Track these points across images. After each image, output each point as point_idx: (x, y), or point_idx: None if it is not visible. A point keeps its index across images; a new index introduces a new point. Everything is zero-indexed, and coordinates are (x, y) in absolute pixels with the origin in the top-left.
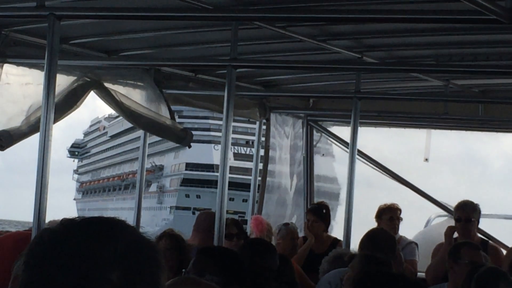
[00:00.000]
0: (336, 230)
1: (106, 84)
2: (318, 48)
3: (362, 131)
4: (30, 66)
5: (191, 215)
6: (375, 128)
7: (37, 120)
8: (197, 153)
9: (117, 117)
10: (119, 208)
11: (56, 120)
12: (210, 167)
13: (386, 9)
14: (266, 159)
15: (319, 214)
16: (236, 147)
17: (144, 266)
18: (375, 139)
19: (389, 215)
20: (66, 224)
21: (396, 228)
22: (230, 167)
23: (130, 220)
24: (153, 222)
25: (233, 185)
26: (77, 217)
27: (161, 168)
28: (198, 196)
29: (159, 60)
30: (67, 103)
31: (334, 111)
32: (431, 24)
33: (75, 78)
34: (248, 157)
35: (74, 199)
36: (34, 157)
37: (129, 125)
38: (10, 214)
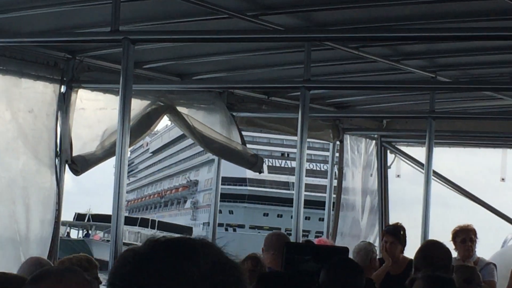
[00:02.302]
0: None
1: (179, 108)
2: (391, 68)
3: (436, 151)
4: (105, 91)
5: (224, 231)
6: (449, 148)
7: (112, 145)
8: (229, 166)
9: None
10: None
11: (130, 144)
12: (242, 181)
13: (459, 27)
14: (339, 181)
15: (397, 235)
16: (270, 160)
17: (228, 286)
18: (449, 159)
19: (461, 237)
20: (151, 244)
21: (470, 250)
22: (264, 180)
23: None
24: None
25: (269, 199)
26: (162, 236)
27: (196, 183)
28: (230, 212)
29: (232, 82)
30: (141, 127)
31: (407, 132)
32: (504, 41)
33: (148, 102)
34: (283, 170)
35: None
36: (105, 180)
37: (168, 140)
38: None
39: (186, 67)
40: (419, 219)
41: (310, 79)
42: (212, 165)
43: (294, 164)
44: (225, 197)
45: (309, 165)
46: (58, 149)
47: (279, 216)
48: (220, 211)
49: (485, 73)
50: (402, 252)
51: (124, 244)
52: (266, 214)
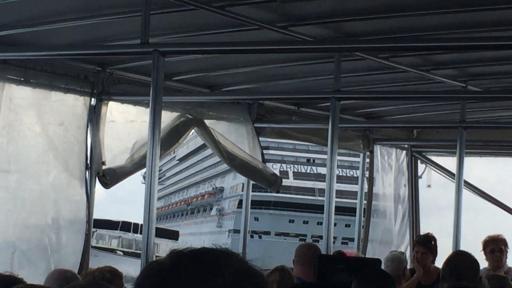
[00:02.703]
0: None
1: (207, 122)
2: (421, 78)
3: (467, 160)
4: (135, 103)
5: (249, 238)
6: (480, 158)
7: (141, 157)
8: None
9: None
10: (185, 234)
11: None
12: None
13: (490, 36)
14: (370, 190)
15: (429, 246)
16: (296, 166)
17: None
18: (481, 168)
19: (490, 247)
20: (174, 256)
21: (499, 260)
22: (290, 186)
23: (197, 245)
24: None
25: (295, 206)
26: (185, 248)
27: (221, 190)
28: (256, 219)
29: (262, 94)
30: (169, 140)
31: (438, 142)
32: None
33: (177, 114)
34: (309, 176)
35: None
36: (137, 188)
37: (194, 146)
38: None
39: (216, 78)
40: (451, 228)
41: (340, 89)
42: (236, 172)
43: (320, 170)
44: (250, 203)
45: None
46: (88, 162)
47: (305, 222)
48: None
49: None
50: (433, 262)
51: (104, 249)
52: (291, 221)
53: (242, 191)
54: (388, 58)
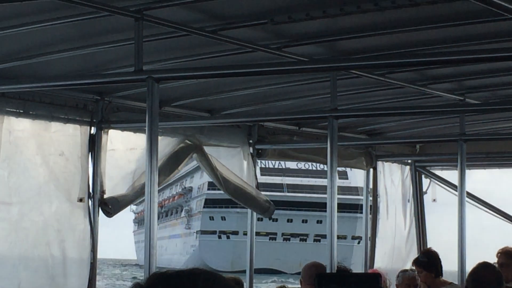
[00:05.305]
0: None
1: (206, 149)
2: (419, 93)
3: (471, 174)
4: (135, 130)
5: (217, 239)
6: (484, 170)
7: (142, 186)
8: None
9: None
10: (160, 237)
11: (159, 183)
12: None
13: (485, 48)
14: (374, 208)
15: (420, 263)
16: (263, 161)
17: None
18: (486, 181)
19: (499, 262)
20: (153, 278)
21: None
22: (257, 183)
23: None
24: (184, 250)
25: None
26: (166, 270)
27: (190, 190)
28: (223, 218)
29: (261, 115)
30: (170, 166)
31: (441, 155)
32: None
33: (177, 141)
34: (277, 172)
35: (134, 231)
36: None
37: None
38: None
39: (215, 102)
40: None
41: (337, 108)
42: (203, 171)
43: (288, 164)
44: (216, 202)
45: (305, 164)
46: (90, 191)
47: (274, 220)
48: (212, 218)
49: None
50: (437, 276)
51: None
52: (260, 219)
53: (208, 189)
54: (384, 74)
